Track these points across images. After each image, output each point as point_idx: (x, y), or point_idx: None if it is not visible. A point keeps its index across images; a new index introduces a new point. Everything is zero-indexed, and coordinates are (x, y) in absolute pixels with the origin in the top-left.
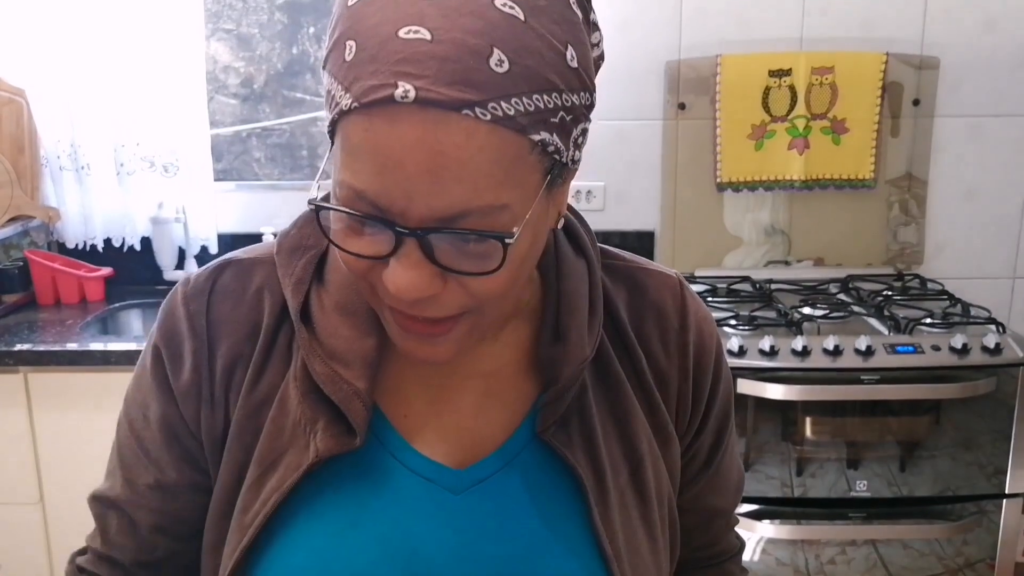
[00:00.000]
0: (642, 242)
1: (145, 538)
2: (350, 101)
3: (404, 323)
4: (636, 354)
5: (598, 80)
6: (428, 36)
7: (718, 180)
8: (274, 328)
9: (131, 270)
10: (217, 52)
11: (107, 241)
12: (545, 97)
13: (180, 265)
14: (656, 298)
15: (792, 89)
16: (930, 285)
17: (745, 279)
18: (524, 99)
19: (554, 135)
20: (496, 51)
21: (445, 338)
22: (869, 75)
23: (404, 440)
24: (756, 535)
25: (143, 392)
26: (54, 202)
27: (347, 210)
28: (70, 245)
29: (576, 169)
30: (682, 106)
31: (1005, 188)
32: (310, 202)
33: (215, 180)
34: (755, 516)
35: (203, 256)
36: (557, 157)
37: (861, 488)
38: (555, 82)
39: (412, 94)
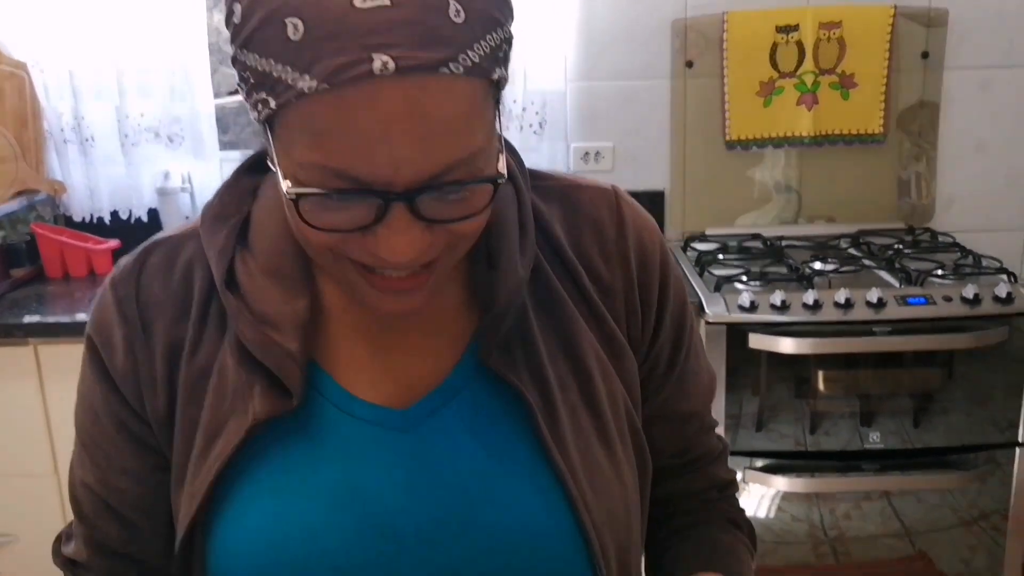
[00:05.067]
0: (652, 202)
1: (127, 520)
2: (314, 83)
3: (381, 284)
4: (576, 271)
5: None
6: (387, 1)
7: (727, 138)
8: (205, 300)
9: (138, 242)
10: (220, 24)
11: (114, 214)
12: (494, 34)
13: None
14: (591, 212)
15: (800, 45)
16: (941, 238)
17: (756, 236)
18: (482, 43)
19: (503, 68)
20: (451, 2)
21: (421, 290)
22: (877, 29)
23: (347, 391)
24: (771, 490)
25: (87, 385)
26: (59, 175)
27: (330, 192)
28: (77, 218)
29: None
30: (689, 64)
31: (1015, 140)
32: (288, 192)
33: (221, 151)
34: (769, 470)
35: None
36: (501, 85)
37: (874, 440)
38: (499, 17)
39: (392, 65)
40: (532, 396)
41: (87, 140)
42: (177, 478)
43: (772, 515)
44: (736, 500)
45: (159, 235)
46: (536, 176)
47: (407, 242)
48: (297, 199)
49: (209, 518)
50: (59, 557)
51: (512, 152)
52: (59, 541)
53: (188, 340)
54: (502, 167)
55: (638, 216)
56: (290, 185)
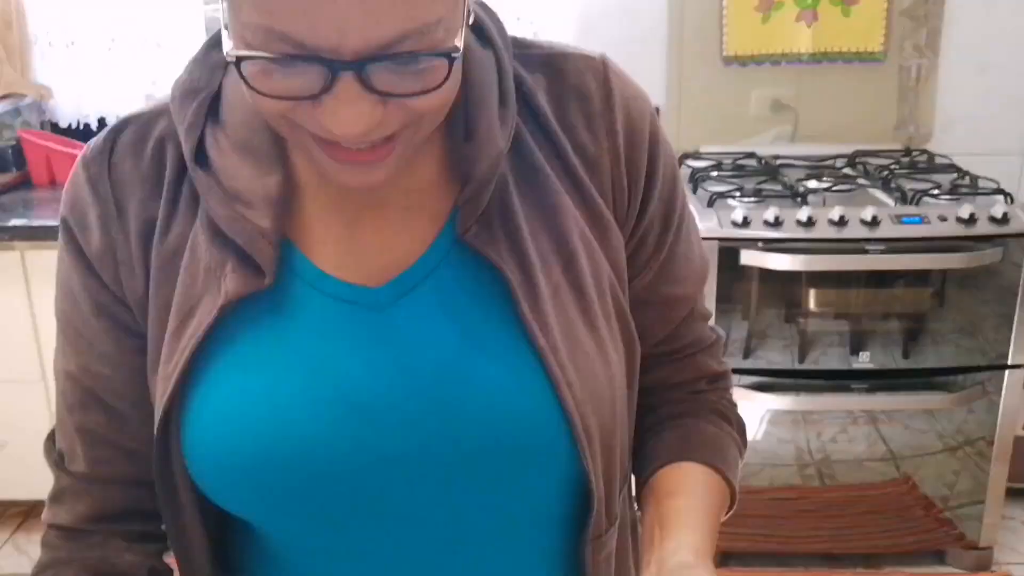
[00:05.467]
0: None
1: (112, 408)
2: None
3: (339, 155)
4: (560, 144)
5: None
6: None
7: (724, 54)
8: (177, 177)
9: None
10: None
11: (101, 120)
12: None
13: None
14: (578, 82)
15: None
16: (939, 160)
17: (751, 155)
18: None
19: None
20: None
21: (384, 163)
22: None
23: (321, 270)
24: (759, 410)
25: (64, 270)
26: (45, 80)
27: (274, 55)
28: (63, 124)
29: None
30: None
31: (1019, 62)
32: (228, 54)
33: None
34: (758, 388)
35: None
36: None
37: (864, 360)
38: None
39: None
40: (511, 272)
41: (72, 44)
42: (152, 360)
43: (759, 436)
44: (728, 393)
45: (131, 112)
46: (520, 44)
47: (356, 114)
48: (239, 62)
49: (183, 399)
50: (50, 455)
51: (493, 17)
52: (51, 439)
53: (160, 218)
54: (459, 42)
55: (627, 86)
56: (233, 46)
